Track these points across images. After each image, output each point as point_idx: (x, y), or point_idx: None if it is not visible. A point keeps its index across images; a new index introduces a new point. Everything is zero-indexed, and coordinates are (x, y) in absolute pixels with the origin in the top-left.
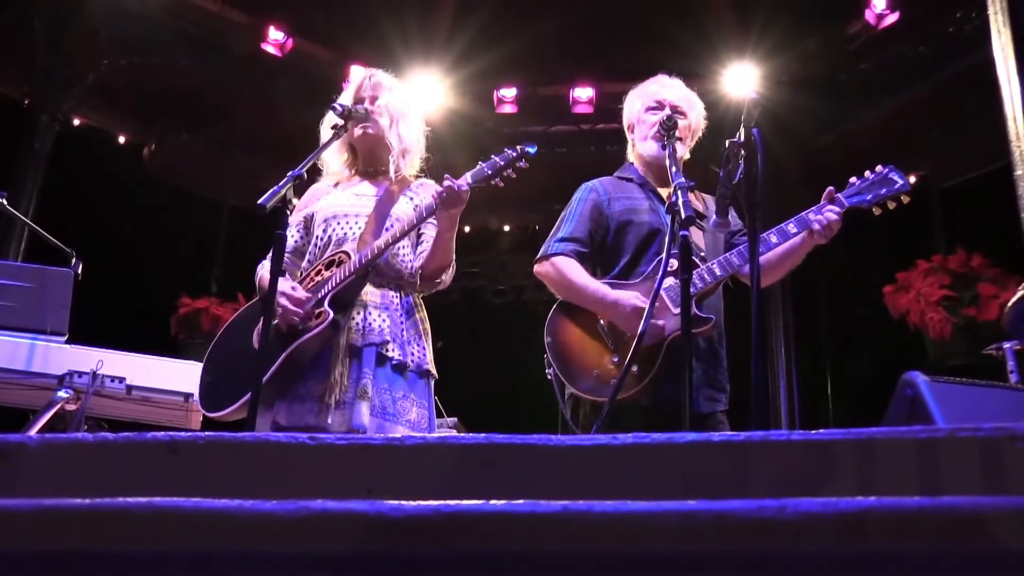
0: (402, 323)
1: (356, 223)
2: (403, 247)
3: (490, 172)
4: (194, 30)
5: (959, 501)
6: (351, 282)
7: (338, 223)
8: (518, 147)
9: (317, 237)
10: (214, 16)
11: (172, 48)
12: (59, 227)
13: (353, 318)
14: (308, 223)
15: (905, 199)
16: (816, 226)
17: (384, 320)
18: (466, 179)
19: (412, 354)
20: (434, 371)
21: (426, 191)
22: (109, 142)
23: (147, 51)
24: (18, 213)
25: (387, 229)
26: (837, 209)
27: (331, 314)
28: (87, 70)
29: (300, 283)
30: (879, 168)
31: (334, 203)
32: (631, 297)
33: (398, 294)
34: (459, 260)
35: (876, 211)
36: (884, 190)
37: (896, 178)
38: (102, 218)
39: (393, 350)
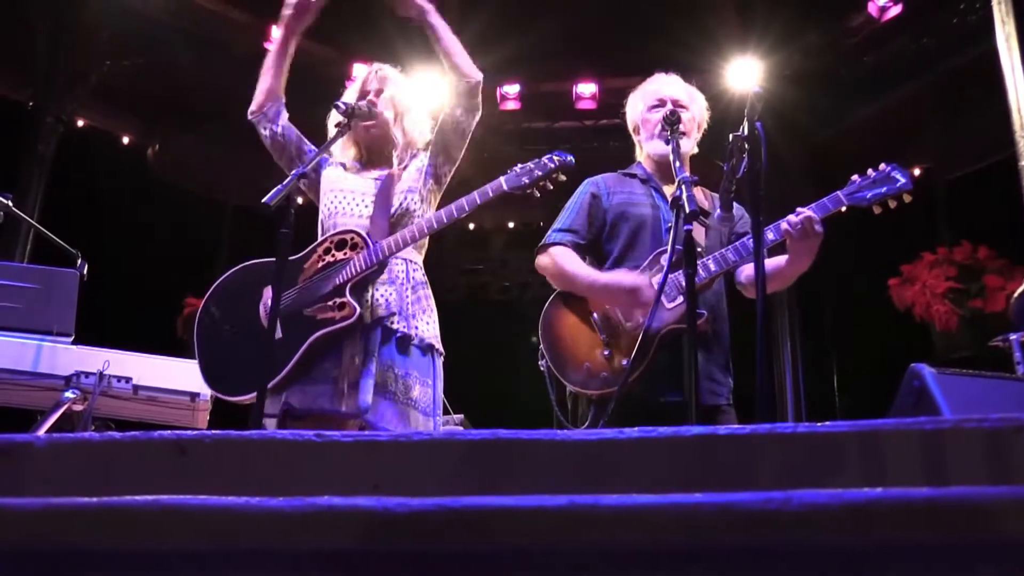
0: (407, 296)
1: (363, 201)
2: (414, 215)
3: (527, 182)
4: (196, 30)
5: (965, 492)
6: (371, 272)
7: (345, 198)
8: (556, 158)
9: (326, 205)
10: (216, 16)
11: (174, 48)
12: (64, 228)
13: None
14: (315, 169)
15: (907, 198)
16: (786, 225)
17: (391, 293)
18: (501, 185)
19: (416, 328)
20: (440, 347)
21: (421, 152)
22: (113, 143)
23: (149, 51)
24: (23, 214)
25: (392, 208)
26: (842, 199)
27: (357, 309)
28: (90, 71)
29: (307, 257)
30: (882, 166)
31: (339, 176)
32: (622, 276)
33: (405, 266)
34: (462, 257)
35: (876, 209)
36: (885, 188)
37: (899, 176)
38: (107, 219)
39: (398, 322)
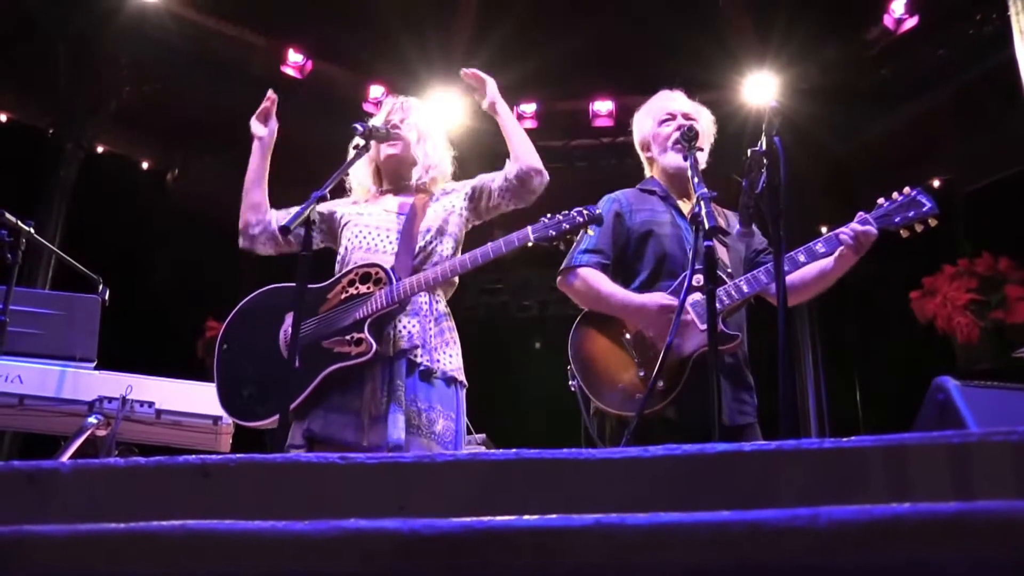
0: (430, 329)
1: (387, 236)
2: (440, 254)
3: (554, 234)
4: (214, 55)
5: (994, 506)
6: (391, 311)
7: (370, 233)
8: (585, 212)
9: (348, 240)
10: (233, 40)
11: (193, 73)
12: (85, 254)
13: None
14: (327, 218)
15: (933, 222)
16: (845, 237)
17: (414, 326)
18: (528, 235)
19: (438, 361)
20: (463, 379)
21: (454, 191)
22: (133, 168)
23: (168, 77)
24: (45, 241)
25: (416, 246)
26: (871, 221)
27: (373, 346)
28: (109, 98)
29: (331, 287)
30: (907, 190)
31: (360, 211)
32: (657, 297)
33: (428, 299)
34: (482, 277)
35: (904, 233)
36: (912, 213)
37: (924, 201)
38: (128, 244)
39: (421, 356)
